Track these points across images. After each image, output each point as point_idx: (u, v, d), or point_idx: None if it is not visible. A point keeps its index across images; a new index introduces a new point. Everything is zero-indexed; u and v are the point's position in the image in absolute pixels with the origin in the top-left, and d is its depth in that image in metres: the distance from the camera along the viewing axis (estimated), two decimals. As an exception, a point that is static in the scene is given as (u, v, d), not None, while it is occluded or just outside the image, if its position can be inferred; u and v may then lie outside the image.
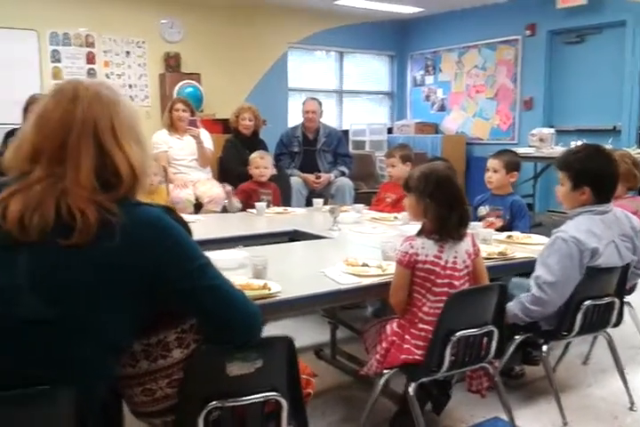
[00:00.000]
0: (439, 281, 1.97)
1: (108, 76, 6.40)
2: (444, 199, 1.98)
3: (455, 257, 1.99)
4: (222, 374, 1.36)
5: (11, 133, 4.21)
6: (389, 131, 7.97)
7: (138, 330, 1.30)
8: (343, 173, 5.27)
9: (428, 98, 8.07)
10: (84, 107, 1.22)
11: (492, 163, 3.20)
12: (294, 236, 3.17)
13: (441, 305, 1.92)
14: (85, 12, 6.15)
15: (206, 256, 1.30)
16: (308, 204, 4.89)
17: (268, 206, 3.80)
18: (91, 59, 6.31)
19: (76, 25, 6.17)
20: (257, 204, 3.73)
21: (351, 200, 5.10)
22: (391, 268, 2.11)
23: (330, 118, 7.01)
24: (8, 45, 5.81)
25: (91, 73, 6.31)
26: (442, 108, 7.89)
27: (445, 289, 1.96)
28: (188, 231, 1.33)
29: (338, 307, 2.95)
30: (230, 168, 5.03)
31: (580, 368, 2.82)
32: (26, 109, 4.10)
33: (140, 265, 1.20)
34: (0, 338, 1.15)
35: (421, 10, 7.28)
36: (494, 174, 3.19)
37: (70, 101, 1.23)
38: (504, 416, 2.26)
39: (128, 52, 6.48)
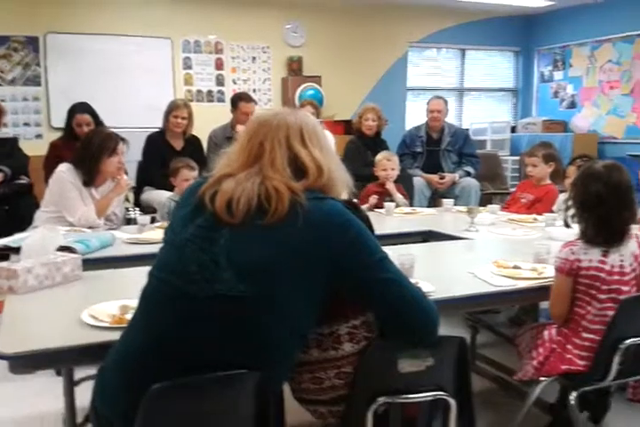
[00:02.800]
0: (605, 287, 1.85)
1: (234, 81, 6.65)
2: (612, 201, 1.86)
3: (622, 260, 1.87)
4: (393, 370, 1.37)
5: (152, 137, 4.49)
6: (512, 129, 7.69)
7: (318, 317, 1.34)
8: (468, 174, 5.14)
9: (556, 94, 7.70)
10: (280, 117, 1.41)
11: None
12: (428, 236, 3.12)
13: (607, 313, 1.82)
14: (215, 20, 6.43)
15: (385, 252, 1.33)
16: (430, 205, 4.83)
17: (396, 207, 3.78)
18: (219, 65, 6.59)
19: (206, 33, 6.47)
20: (386, 203, 3.73)
21: (477, 201, 4.97)
22: (547, 271, 2.03)
23: (450, 117, 6.86)
24: (144, 53, 6.19)
25: (219, 79, 6.59)
26: (572, 105, 7.50)
27: (612, 295, 1.84)
28: (370, 227, 1.37)
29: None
30: (353, 170, 5.02)
31: None
32: (167, 114, 4.36)
33: (319, 252, 1.26)
34: (199, 316, 1.24)
35: (552, 3, 6.96)
36: None
37: (272, 114, 1.44)
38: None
39: (254, 58, 6.70)
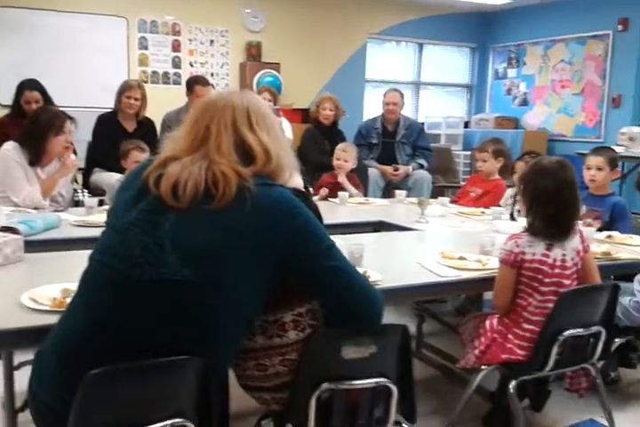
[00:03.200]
0: (547, 280, 1.91)
1: (191, 64, 6.54)
2: (557, 196, 1.92)
3: (564, 255, 1.94)
4: (337, 357, 1.38)
5: (103, 117, 4.38)
6: (466, 124, 7.82)
7: (264, 303, 1.33)
8: (422, 166, 5.21)
9: (509, 92, 7.86)
10: (226, 99, 1.38)
11: (596, 160, 3.03)
12: (379, 227, 3.16)
13: (548, 305, 1.87)
14: (173, 1, 6.30)
15: (332, 240, 1.34)
16: (384, 195, 4.87)
17: (349, 197, 3.80)
18: (176, 47, 6.46)
19: (164, 13, 6.32)
20: (340, 193, 3.74)
21: (429, 194, 5.04)
22: (491, 263, 2.08)
23: (406, 110, 6.93)
24: (99, 31, 6.02)
25: (175, 61, 6.46)
26: (524, 103, 7.67)
27: (553, 288, 1.91)
28: (318, 216, 1.37)
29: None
30: (309, 158, 5.05)
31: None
32: (120, 95, 4.25)
33: (266, 239, 1.25)
34: (142, 301, 1.21)
35: (509, 1, 7.08)
36: (599, 173, 3.01)
37: (218, 96, 1.42)
38: (598, 419, 2.20)
39: (212, 41, 6.60)
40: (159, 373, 1.20)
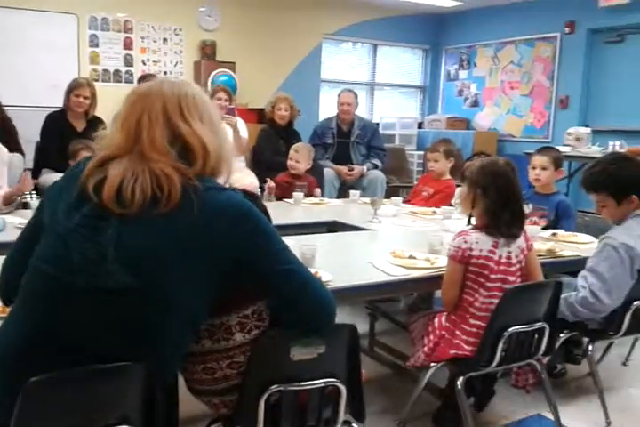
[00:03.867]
0: (493, 276, 1.96)
1: (144, 62, 6.43)
2: (497, 193, 1.97)
3: (509, 252, 1.99)
4: (286, 358, 1.38)
5: (51, 116, 4.28)
6: (419, 125, 7.93)
7: (211, 307, 1.32)
8: (376, 166, 5.26)
9: (460, 93, 8.00)
10: (156, 88, 1.32)
11: (541, 160, 3.13)
12: (333, 227, 3.17)
13: (494, 301, 1.92)
14: (125, -2, 6.19)
15: (284, 242, 1.32)
16: (340, 195, 4.90)
17: (304, 197, 3.81)
18: (128, 44, 6.34)
19: (116, 10, 6.20)
20: (294, 193, 3.74)
21: (383, 193, 5.10)
22: (439, 261, 2.12)
23: (361, 111, 6.98)
24: (48, 29, 5.85)
25: (127, 59, 6.34)
26: (475, 104, 7.82)
27: (499, 284, 1.95)
28: (268, 218, 1.35)
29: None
30: (264, 158, 5.05)
31: (620, 369, 2.81)
32: (69, 93, 4.16)
33: (217, 244, 1.22)
34: (84, 309, 1.18)
35: (460, 3, 7.20)
36: (543, 172, 3.12)
37: (149, 85, 1.34)
38: (545, 414, 2.26)
39: (165, 40, 6.50)
40: (103, 379, 1.17)
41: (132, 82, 6.20)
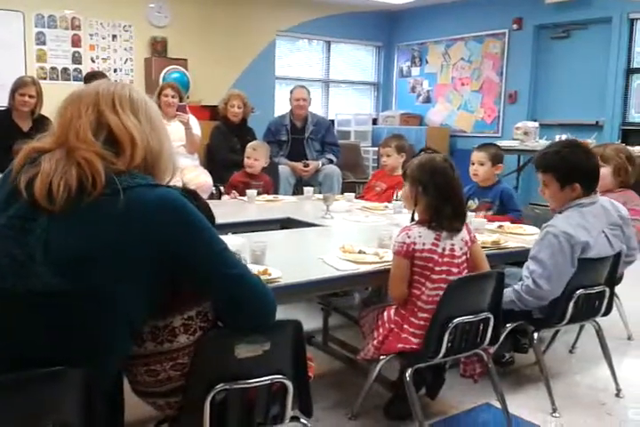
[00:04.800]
0: (437, 269, 2.00)
1: (93, 59, 6.31)
2: (437, 189, 2.01)
3: (452, 244, 2.03)
4: (230, 357, 1.38)
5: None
6: (374, 121, 7.99)
7: (151, 309, 1.30)
8: (331, 161, 5.29)
9: (413, 89, 8.10)
10: (91, 87, 1.32)
11: (478, 156, 3.24)
12: (286, 223, 3.18)
13: (439, 293, 1.95)
14: (71, -5, 6.05)
15: (223, 241, 1.31)
16: (296, 192, 4.91)
17: (258, 194, 3.80)
18: (76, 42, 6.20)
19: (62, 7, 6.06)
20: (248, 191, 3.73)
21: (339, 188, 5.13)
22: (387, 255, 2.14)
23: (316, 108, 6.99)
24: (-8, 26, 5.70)
25: (76, 56, 6.21)
26: (427, 100, 7.92)
27: (443, 276, 1.99)
28: (211, 217, 1.34)
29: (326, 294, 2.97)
30: (218, 155, 5.01)
31: (567, 357, 2.89)
32: (13, 92, 4.06)
33: (150, 243, 1.19)
34: (16, 313, 1.15)
35: (411, 1, 7.28)
36: (480, 167, 3.23)
37: (86, 86, 1.35)
38: (494, 402, 2.31)
39: (114, 36, 6.39)
40: (38, 384, 1.14)
41: (80, 80, 6.06)
